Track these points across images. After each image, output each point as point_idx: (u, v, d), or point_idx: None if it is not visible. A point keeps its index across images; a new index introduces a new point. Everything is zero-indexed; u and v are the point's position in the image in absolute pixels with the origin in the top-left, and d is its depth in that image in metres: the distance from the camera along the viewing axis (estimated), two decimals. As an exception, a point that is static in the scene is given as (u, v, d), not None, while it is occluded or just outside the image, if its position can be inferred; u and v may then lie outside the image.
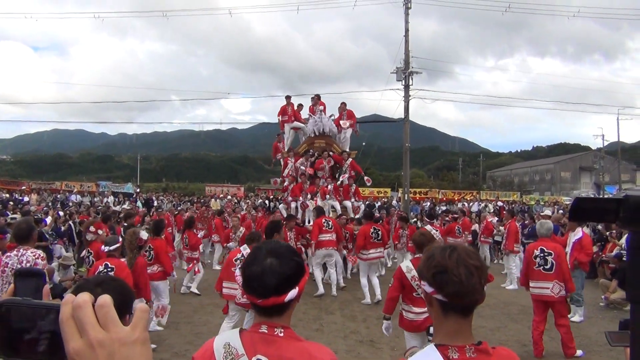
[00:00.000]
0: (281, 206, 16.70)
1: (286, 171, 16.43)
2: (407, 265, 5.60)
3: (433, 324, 1.91)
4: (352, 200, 15.74)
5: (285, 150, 17.12)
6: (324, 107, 17.02)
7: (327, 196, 14.81)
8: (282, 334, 1.91)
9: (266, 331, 1.91)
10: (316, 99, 17.15)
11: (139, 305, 0.78)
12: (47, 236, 12.21)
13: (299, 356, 1.86)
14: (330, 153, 16.16)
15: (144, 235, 6.86)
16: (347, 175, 15.72)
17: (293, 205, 15.38)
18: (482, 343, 1.79)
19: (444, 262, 1.76)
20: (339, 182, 15.82)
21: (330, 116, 17.03)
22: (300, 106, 17.66)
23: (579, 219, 1.26)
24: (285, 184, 16.25)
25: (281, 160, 17.34)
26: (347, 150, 16.88)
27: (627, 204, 1.14)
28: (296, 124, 17.34)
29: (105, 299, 0.76)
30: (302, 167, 15.70)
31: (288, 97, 17.63)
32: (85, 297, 0.75)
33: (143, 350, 0.76)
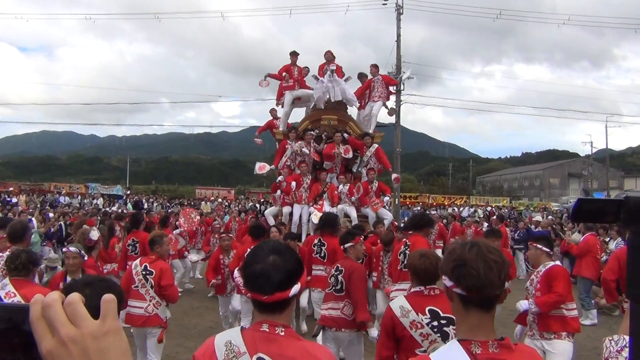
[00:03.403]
0: (268, 211, 11.57)
1: (283, 160, 11.22)
2: (400, 304, 3.48)
3: (455, 320, 1.92)
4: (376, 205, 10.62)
5: (281, 128, 12.23)
6: (339, 70, 11.81)
7: (340, 199, 10.49)
8: (283, 333, 1.94)
9: (267, 330, 1.94)
10: (329, 55, 11.99)
11: (104, 295, 0.78)
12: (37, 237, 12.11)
13: (299, 355, 1.89)
14: (346, 135, 11.30)
15: (94, 235, 6.77)
16: (371, 169, 10.91)
17: (286, 210, 10.58)
18: (505, 338, 1.80)
19: (464, 255, 1.78)
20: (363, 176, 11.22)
21: (348, 79, 11.90)
22: (306, 70, 12.63)
23: (581, 220, 1.29)
24: (279, 178, 11.11)
25: (277, 143, 11.98)
26: (371, 132, 11.80)
27: (627, 205, 1.18)
28: (302, 91, 12.27)
29: (74, 296, 0.75)
30: (305, 150, 10.84)
31: (294, 55, 12.50)
32: (54, 295, 0.75)
33: (116, 340, 0.75)
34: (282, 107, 12.58)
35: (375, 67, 12.45)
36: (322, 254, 7.57)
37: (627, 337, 1.79)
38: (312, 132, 11.20)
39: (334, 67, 11.53)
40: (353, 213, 10.43)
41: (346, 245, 5.64)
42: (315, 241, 7.80)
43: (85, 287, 2.05)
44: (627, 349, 1.84)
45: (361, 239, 5.88)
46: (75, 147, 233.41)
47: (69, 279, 5.29)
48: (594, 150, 60.70)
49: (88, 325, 0.73)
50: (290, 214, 10.58)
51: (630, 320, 1.24)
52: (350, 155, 11.18)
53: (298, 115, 13.63)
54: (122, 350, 0.76)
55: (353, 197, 10.50)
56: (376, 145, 11.20)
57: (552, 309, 5.09)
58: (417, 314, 3.36)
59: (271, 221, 10.47)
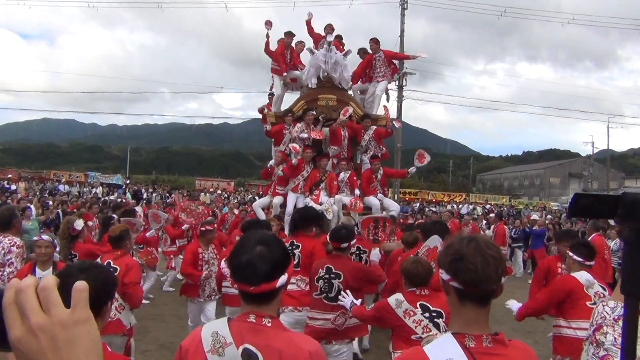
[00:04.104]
0: (257, 203, 9.92)
1: (282, 148, 9.60)
2: (396, 297, 3.87)
3: (450, 313, 1.92)
4: (379, 195, 9.25)
5: (273, 110, 10.70)
6: (337, 45, 10.44)
7: (339, 189, 9.09)
8: (269, 324, 1.94)
9: (254, 320, 1.94)
10: (329, 29, 10.20)
11: (75, 284, 0.75)
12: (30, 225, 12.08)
13: (285, 346, 1.89)
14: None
15: (78, 224, 6.67)
16: (374, 157, 9.46)
17: (277, 201, 9.11)
18: (499, 333, 1.80)
19: (462, 250, 1.77)
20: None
21: (347, 52, 10.33)
22: (302, 45, 10.91)
23: (578, 215, 1.27)
24: (271, 163, 9.76)
25: (268, 126, 9.99)
26: (374, 113, 10.39)
27: (625, 201, 1.16)
28: (292, 73, 10.80)
29: (48, 281, 0.74)
30: (304, 134, 9.25)
31: (289, 35, 10.78)
32: (28, 280, 0.74)
33: (86, 329, 0.74)
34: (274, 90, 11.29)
35: (375, 43, 10.59)
36: (295, 261, 5.42)
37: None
38: (313, 112, 9.52)
39: (332, 39, 9.91)
40: None
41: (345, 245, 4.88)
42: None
43: (80, 273, 2.08)
44: None
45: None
46: (76, 135, 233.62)
47: (37, 269, 5.10)
48: (596, 151, 60.88)
49: (58, 313, 0.72)
50: (282, 206, 8.99)
51: (624, 314, 1.23)
52: (345, 139, 9.65)
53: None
54: (92, 340, 0.75)
55: (357, 190, 9.01)
56: (375, 128, 9.74)
57: (524, 317, 4.73)
58: (410, 305, 3.75)
59: (260, 214, 9.09)
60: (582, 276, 4.35)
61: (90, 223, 8.83)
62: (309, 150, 9.15)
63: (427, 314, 3.72)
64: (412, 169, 9.75)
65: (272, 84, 11.38)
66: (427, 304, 3.74)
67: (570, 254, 4.53)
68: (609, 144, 55.59)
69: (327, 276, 4.74)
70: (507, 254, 15.08)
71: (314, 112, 9.61)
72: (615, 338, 1.70)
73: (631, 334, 1.21)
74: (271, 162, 9.62)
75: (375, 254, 6.19)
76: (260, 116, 10.91)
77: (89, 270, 2.11)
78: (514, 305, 4.78)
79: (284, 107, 10.77)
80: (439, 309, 3.72)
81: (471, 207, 34.24)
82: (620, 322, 1.65)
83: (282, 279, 1.96)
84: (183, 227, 10.22)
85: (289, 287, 4.58)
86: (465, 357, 1.72)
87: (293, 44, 10.85)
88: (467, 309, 1.81)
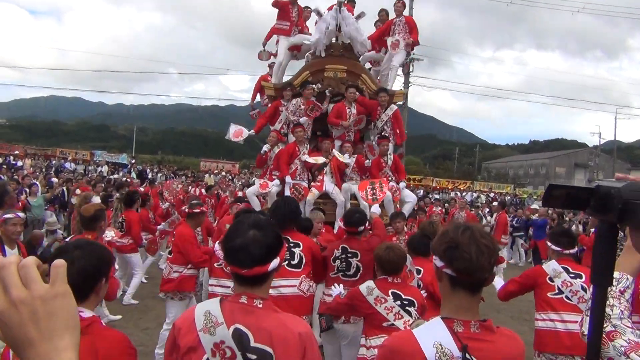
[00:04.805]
0: (250, 190, 8.22)
1: (278, 126, 8.35)
2: (367, 285, 3.82)
3: (442, 299, 1.97)
4: (391, 182, 7.77)
5: (273, 81, 8.96)
6: (350, 7, 8.90)
7: (346, 175, 7.93)
8: (260, 305, 2.00)
9: (246, 302, 2.00)
10: None
11: (54, 261, 0.81)
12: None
13: (275, 326, 1.95)
14: (353, 91, 8.07)
15: (96, 201, 6.62)
16: (384, 138, 8.03)
17: (274, 189, 7.64)
18: (487, 320, 1.86)
19: (457, 238, 1.81)
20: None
21: (360, 15, 8.67)
22: (308, 11, 9.38)
23: (552, 205, 1.30)
24: (265, 148, 8.24)
25: (262, 100, 9.12)
26: (386, 88, 8.57)
27: (597, 194, 1.20)
28: (300, 37, 8.99)
29: (28, 259, 0.80)
30: (302, 119, 7.97)
31: None
32: (11, 258, 0.79)
33: (64, 302, 0.79)
34: (275, 56, 9.46)
35: (401, 3, 9.12)
36: (296, 260, 4.65)
37: (630, 277, 1.73)
38: (313, 86, 8.15)
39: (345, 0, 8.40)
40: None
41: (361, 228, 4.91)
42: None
43: (75, 250, 2.12)
44: (629, 291, 1.76)
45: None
46: (82, 114, 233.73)
47: (6, 248, 4.92)
48: (602, 142, 60.43)
49: (38, 288, 0.78)
50: (280, 194, 7.59)
51: (592, 303, 1.27)
52: (361, 125, 8.34)
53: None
54: (70, 313, 0.80)
55: (363, 175, 7.96)
56: (395, 107, 8.31)
57: (504, 298, 4.59)
58: (381, 292, 3.75)
59: (255, 203, 7.80)
60: (550, 266, 4.34)
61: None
62: (300, 128, 7.82)
63: (398, 302, 3.72)
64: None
65: (276, 51, 9.43)
66: (399, 292, 3.75)
67: (549, 243, 4.52)
68: (615, 135, 55.18)
69: (343, 255, 4.75)
70: (508, 242, 15.11)
71: (319, 85, 8.22)
72: (621, 311, 1.67)
73: (598, 323, 1.26)
74: (265, 147, 8.23)
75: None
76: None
77: (83, 247, 2.16)
78: (498, 283, 4.65)
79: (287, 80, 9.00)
80: (411, 298, 3.74)
81: (475, 195, 34.19)
82: (626, 294, 1.68)
83: (274, 262, 2.01)
84: (163, 207, 10.13)
85: (286, 289, 4.50)
86: (452, 341, 1.78)
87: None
88: (458, 295, 1.86)
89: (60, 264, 0.81)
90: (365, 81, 8.44)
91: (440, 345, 1.77)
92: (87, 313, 2.03)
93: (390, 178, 7.83)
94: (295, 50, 9.20)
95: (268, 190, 7.64)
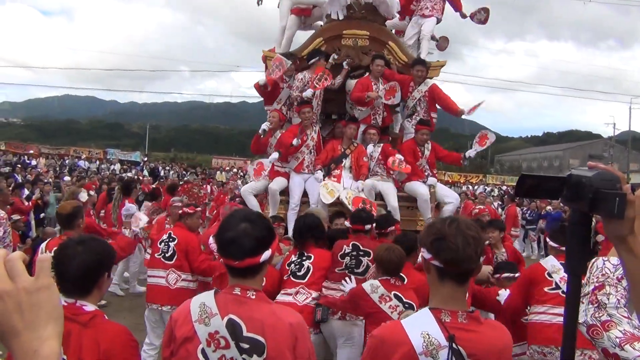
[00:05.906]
0: (246, 188, 6.85)
1: (274, 104, 6.92)
2: (371, 283, 3.75)
3: (430, 290, 2.01)
4: (429, 179, 6.60)
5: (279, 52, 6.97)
6: None
7: (370, 169, 6.52)
8: (253, 297, 2.06)
9: (239, 293, 2.06)
10: None
11: (40, 255, 0.87)
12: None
13: (267, 318, 2.01)
14: (380, 63, 6.63)
15: (83, 197, 6.67)
16: (423, 124, 6.66)
17: (275, 185, 6.36)
18: (475, 311, 1.94)
19: (444, 230, 1.85)
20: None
21: None
22: None
23: (524, 195, 1.32)
24: (264, 127, 6.59)
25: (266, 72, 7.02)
26: (424, 59, 6.91)
27: (570, 182, 1.22)
28: None
29: (15, 254, 0.85)
30: (307, 92, 6.46)
31: None
32: None
33: (48, 295, 0.84)
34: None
35: None
36: (303, 272, 4.47)
37: None
38: (330, 58, 6.70)
39: None
40: (390, 190, 6.36)
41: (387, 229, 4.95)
42: (293, 257, 4.64)
43: (78, 245, 2.18)
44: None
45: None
46: (96, 112, 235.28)
47: None
48: (617, 132, 59.75)
49: (23, 280, 0.83)
50: (283, 192, 6.40)
51: (567, 291, 1.29)
52: (395, 99, 6.81)
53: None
54: (53, 305, 0.85)
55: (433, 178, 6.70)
56: (430, 82, 6.78)
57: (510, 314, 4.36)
58: (386, 290, 3.72)
59: (252, 203, 6.45)
60: (548, 261, 4.33)
61: (92, 193, 8.95)
62: (308, 108, 6.36)
63: (400, 304, 3.70)
64: (470, 153, 7.16)
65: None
66: (401, 295, 3.73)
67: (547, 240, 4.57)
68: (630, 125, 54.66)
69: (354, 253, 4.57)
70: (520, 235, 15.04)
71: (334, 56, 6.73)
72: (618, 300, 1.63)
73: (573, 310, 1.29)
74: (264, 125, 6.57)
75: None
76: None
77: (86, 242, 2.22)
78: (503, 296, 4.46)
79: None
80: (411, 302, 3.70)
81: (488, 188, 34.02)
82: (624, 282, 1.63)
83: (266, 254, 2.06)
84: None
85: (283, 297, 4.36)
86: (440, 330, 1.82)
87: None
88: (446, 286, 1.90)
89: (45, 258, 0.87)
90: (393, 50, 6.90)
91: (428, 334, 1.81)
92: (89, 307, 2.10)
93: (427, 173, 6.68)
94: (304, 15, 7.33)
95: (264, 176, 6.40)
